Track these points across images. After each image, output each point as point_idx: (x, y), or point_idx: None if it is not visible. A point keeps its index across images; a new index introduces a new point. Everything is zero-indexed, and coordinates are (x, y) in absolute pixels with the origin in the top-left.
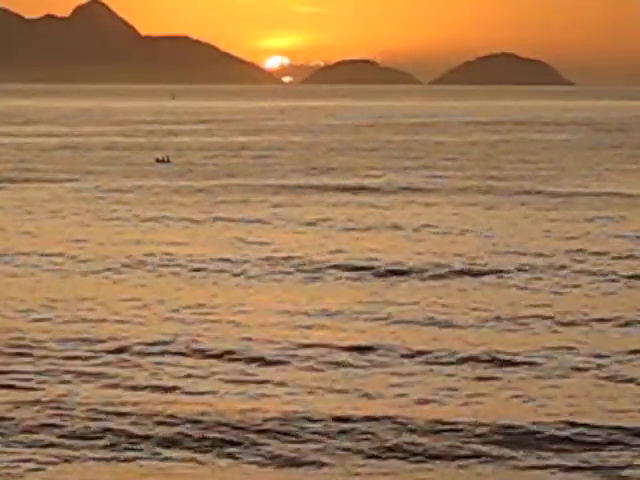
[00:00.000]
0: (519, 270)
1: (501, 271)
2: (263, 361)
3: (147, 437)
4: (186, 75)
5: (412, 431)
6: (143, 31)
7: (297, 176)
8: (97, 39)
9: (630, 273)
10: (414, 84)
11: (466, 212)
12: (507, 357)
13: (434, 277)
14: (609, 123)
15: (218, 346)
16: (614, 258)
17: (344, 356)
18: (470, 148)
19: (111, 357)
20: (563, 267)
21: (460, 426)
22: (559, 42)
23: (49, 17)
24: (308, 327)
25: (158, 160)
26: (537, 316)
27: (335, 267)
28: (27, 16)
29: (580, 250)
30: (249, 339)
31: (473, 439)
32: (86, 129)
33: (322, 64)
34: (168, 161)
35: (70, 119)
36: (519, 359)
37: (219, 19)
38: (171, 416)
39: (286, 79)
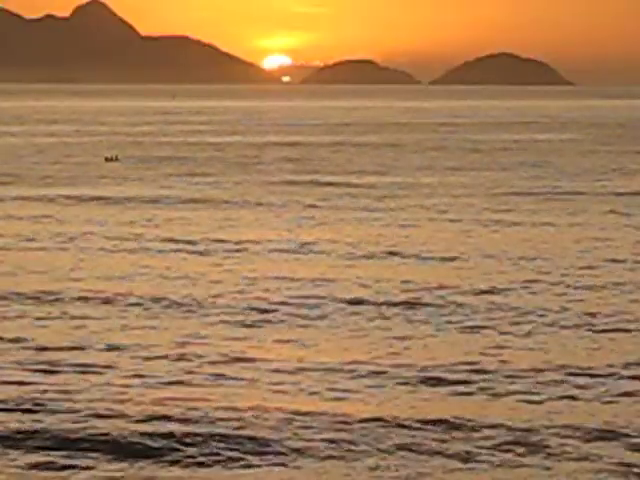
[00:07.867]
0: None
1: None
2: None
3: None
4: (186, 75)
5: None
6: (143, 31)
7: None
8: (97, 39)
9: None
10: (414, 84)
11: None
12: None
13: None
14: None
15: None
16: None
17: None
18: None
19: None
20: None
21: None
22: (559, 42)
23: (49, 17)
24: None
25: (107, 159)
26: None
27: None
28: (27, 16)
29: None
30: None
31: None
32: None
33: (322, 64)
34: (117, 160)
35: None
36: None
37: (219, 19)
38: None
39: (285, 79)
